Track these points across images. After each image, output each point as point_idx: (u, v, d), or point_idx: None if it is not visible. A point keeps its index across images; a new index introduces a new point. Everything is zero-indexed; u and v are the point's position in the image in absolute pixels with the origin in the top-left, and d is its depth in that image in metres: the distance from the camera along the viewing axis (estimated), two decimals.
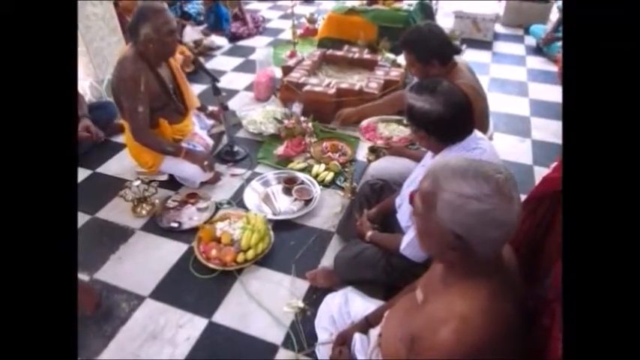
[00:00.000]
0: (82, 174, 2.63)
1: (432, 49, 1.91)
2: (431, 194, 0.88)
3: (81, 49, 3.10)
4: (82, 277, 1.94)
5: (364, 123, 2.48)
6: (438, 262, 1.04)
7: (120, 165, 2.70)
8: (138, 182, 2.27)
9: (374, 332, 1.29)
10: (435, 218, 0.87)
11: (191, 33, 4.35)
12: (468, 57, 3.78)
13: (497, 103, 3.37)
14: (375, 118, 2.54)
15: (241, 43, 4.70)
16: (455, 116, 1.39)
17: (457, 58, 2.00)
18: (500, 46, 4.66)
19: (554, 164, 1.39)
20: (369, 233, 1.74)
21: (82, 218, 2.28)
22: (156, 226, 2.23)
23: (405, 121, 2.35)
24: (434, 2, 4.68)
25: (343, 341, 1.36)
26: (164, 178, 2.54)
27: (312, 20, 4.78)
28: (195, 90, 3.37)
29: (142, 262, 2.04)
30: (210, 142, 2.69)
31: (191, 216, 2.28)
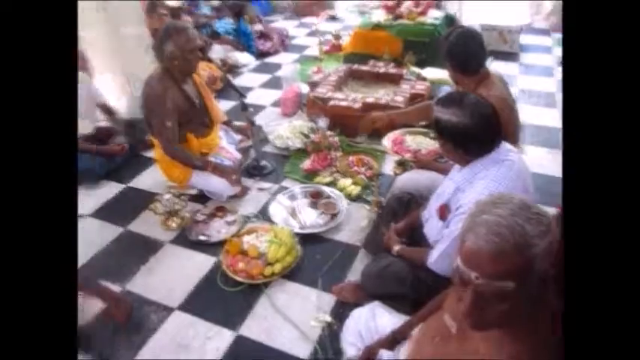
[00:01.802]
0: (115, 188, 2.72)
1: (454, 60, 1.93)
2: (521, 257, 0.78)
3: (117, 69, 3.25)
4: (115, 287, 1.99)
5: (391, 135, 2.45)
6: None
7: (151, 179, 2.78)
8: (168, 196, 2.32)
9: (402, 350, 1.27)
10: (531, 282, 0.79)
11: (219, 50, 4.47)
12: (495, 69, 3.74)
13: (525, 114, 3.30)
14: (402, 130, 2.50)
15: (268, 60, 4.80)
16: (482, 128, 1.37)
17: (491, 70, 1.99)
18: (528, 58, 4.59)
19: None
20: (397, 247, 1.72)
21: (115, 231, 2.36)
22: (185, 238, 2.28)
23: (431, 134, 2.34)
24: (457, 14, 4.66)
25: (369, 356, 1.35)
26: (194, 191, 2.60)
27: (337, 37, 4.85)
28: (224, 106, 3.46)
29: (171, 275, 2.08)
30: (239, 156, 2.73)
31: (219, 229, 2.32)
